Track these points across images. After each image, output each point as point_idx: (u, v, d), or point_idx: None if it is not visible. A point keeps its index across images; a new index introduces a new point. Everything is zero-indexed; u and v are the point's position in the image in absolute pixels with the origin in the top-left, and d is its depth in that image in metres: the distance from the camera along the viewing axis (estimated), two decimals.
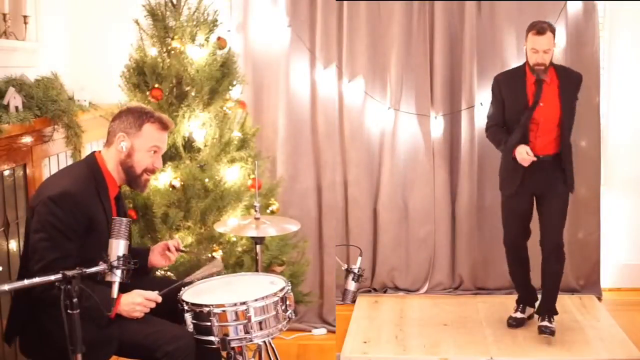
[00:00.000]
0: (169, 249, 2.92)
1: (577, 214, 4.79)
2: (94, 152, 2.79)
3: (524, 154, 3.81)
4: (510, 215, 4.08)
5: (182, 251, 3.00)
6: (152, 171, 2.76)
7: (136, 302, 2.61)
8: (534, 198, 4.06)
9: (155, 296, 2.65)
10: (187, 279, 2.83)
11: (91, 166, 2.71)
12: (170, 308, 2.75)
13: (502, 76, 4.09)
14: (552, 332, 4.00)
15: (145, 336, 2.60)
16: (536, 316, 4.17)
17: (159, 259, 2.92)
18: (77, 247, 2.55)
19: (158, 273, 3.46)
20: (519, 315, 4.22)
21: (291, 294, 2.80)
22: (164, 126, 2.76)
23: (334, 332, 4.42)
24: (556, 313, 4.09)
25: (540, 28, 3.80)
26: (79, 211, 2.54)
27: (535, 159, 3.81)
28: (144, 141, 2.71)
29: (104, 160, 2.73)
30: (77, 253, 2.54)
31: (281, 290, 2.76)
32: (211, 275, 2.92)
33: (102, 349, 2.55)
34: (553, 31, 3.84)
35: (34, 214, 2.56)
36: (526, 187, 3.97)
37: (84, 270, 2.21)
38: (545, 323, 4.04)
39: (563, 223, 4.01)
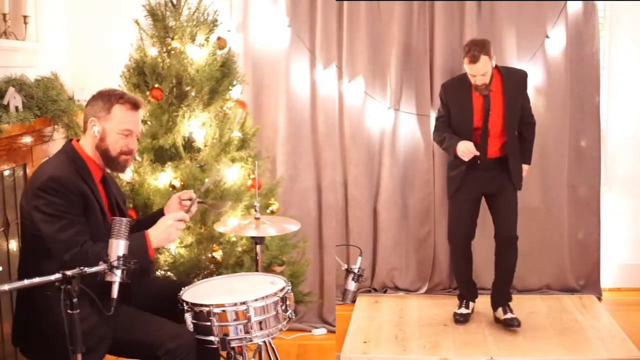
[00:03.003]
0: (189, 199, 2.89)
1: (577, 214, 4.80)
2: (71, 139, 2.79)
3: (466, 148, 3.96)
4: (457, 215, 4.21)
5: (201, 202, 3.00)
6: (129, 152, 2.75)
7: (168, 225, 2.65)
8: (483, 198, 4.22)
9: (183, 215, 2.69)
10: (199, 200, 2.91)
11: (69, 153, 2.71)
12: (170, 308, 2.76)
13: (448, 84, 4.19)
14: (519, 323, 4.15)
15: (146, 334, 2.61)
16: (494, 311, 4.29)
17: (176, 208, 2.88)
18: (84, 222, 2.57)
19: (157, 274, 3.47)
20: (464, 310, 4.31)
21: (291, 294, 2.80)
22: (134, 106, 2.74)
23: (334, 332, 4.43)
24: (511, 299, 4.25)
25: (472, 57, 3.86)
26: (69, 190, 2.55)
27: (477, 153, 3.98)
28: (114, 124, 2.70)
29: (81, 147, 2.74)
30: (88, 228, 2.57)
31: (281, 290, 2.76)
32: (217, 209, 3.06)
33: (96, 348, 2.55)
34: (487, 52, 3.88)
35: (28, 211, 2.58)
36: (471, 187, 4.12)
37: (84, 270, 2.21)
38: (510, 315, 4.19)
39: (515, 217, 4.15)
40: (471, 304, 4.35)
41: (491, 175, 4.09)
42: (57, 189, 2.53)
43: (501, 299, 4.25)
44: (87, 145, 2.74)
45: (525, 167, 4.19)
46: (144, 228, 2.73)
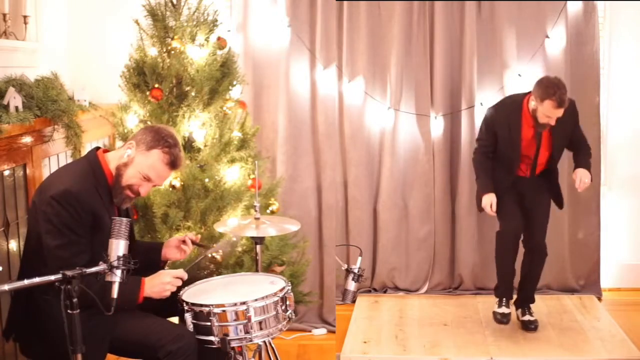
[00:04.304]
0: (184, 242, 2.92)
1: (577, 214, 4.81)
2: (96, 148, 2.76)
3: (487, 206, 3.97)
4: (508, 211, 4.05)
5: (198, 245, 3.00)
6: (135, 193, 2.70)
7: (165, 282, 2.64)
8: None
9: (182, 273, 2.68)
10: (208, 252, 2.89)
11: (92, 163, 2.69)
12: (170, 308, 2.76)
13: (499, 110, 4.03)
14: (537, 327, 4.14)
15: (147, 335, 2.61)
16: (516, 310, 4.27)
17: (174, 252, 2.92)
18: (89, 243, 2.57)
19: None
20: (505, 310, 4.23)
21: (291, 294, 2.80)
22: (172, 164, 2.70)
23: (334, 332, 4.43)
24: (533, 301, 4.25)
25: (561, 101, 3.68)
26: (82, 208, 2.54)
27: (494, 214, 4.00)
28: (144, 163, 2.66)
29: (106, 159, 2.71)
30: (90, 251, 2.56)
31: (281, 290, 2.76)
32: (229, 247, 2.97)
33: (96, 349, 2.55)
34: (566, 92, 3.74)
35: (37, 213, 2.57)
36: (513, 188, 4.07)
37: (84, 270, 2.21)
38: (528, 317, 4.18)
39: (546, 225, 4.12)
40: (511, 303, 4.24)
41: (535, 185, 4.07)
42: (70, 203, 2.52)
43: (523, 300, 4.23)
44: (113, 159, 2.71)
45: (586, 175, 3.95)
46: (141, 251, 2.76)
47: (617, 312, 4.49)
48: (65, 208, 2.51)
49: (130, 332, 2.62)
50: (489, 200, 3.95)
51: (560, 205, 4.17)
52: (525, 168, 4.06)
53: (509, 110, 3.98)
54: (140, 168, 2.67)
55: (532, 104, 3.83)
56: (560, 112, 3.75)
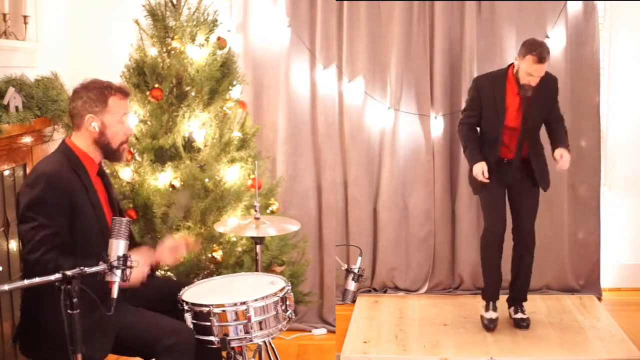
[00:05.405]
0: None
1: (577, 214, 4.81)
2: (65, 139, 2.78)
3: (479, 173, 3.95)
4: (492, 205, 4.09)
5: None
6: (126, 140, 2.79)
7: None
8: (506, 191, 4.16)
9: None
10: None
11: (64, 152, 2.71)
12: (170, 308, 2.76)
13: (484, 80, 4.09)
14: (529, 324, 4.16)
15: (144, 330, 2.60)
16: (508, 308, 4.29)
17: (168, 255, 2.87)
18: (65, 225, 2.56)
19: (157, 274, 3.46)
20: (492, 315, 4.19)
21: (291, 294, 2.80)
22: (126, 94, 2.78)
23: (334, 332, 4.43)
24: (525, 299, 4.25)
25: (541, 57, 3.77)
26: (57, 189, 2.55)
27: (487, 181, 3.94)
28: (113, 115, 2.72)
29: (75, 144, 2.72)
30: (67, 234, 2.55)
31: (281, 290, 2.76)
32: None
33: (101, 341, 2.55)
34: (549, 53, 3.84)
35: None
36: (498, 180, 4.05)
37: (84, 270, 2.20)
38: (520, 315, 4.19)
39: (534, 216, 4.11)
40: (497, 306, 4.22)
41: (517, 171, 4.05)
42: (44, 183, 2.53)
43: (515, 299, 4.24)
44: (81, 141, 2.72)
45: (565, 155, 3.94)
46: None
47: (617, 312, 4.49)
48: (37, 189, 2.52)
49: (126, 328, 2.61)
50: (480, 168, 3.95)
51: (545, 187, 4.10)
52: (510, 143, 4.02)
53: (494, 79, 4.03)
54: (116, 120, 2.72)
55: (516, 64, 3.90)
56: (540, 70, 3.80)
